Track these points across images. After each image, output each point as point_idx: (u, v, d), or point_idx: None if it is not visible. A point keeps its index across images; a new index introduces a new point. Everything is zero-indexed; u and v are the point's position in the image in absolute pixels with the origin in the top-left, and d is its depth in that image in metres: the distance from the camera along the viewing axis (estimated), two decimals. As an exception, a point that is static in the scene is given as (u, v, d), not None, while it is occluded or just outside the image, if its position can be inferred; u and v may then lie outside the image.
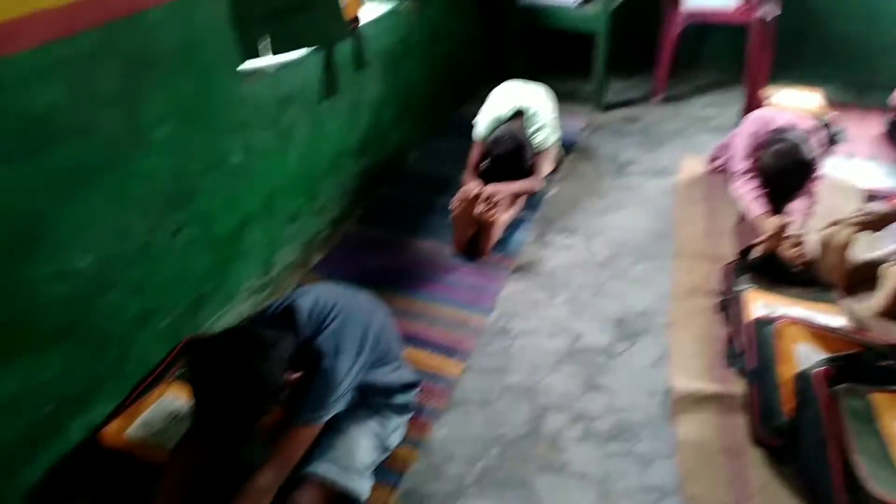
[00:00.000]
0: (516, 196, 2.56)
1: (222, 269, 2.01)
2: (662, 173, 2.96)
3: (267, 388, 1.23)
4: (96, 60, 1.48)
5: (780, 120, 2.54)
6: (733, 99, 3.66)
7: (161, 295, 1.79)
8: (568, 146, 3.17)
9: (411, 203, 2.77)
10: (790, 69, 3.71)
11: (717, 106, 3.59)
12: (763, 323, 1.83)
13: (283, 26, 2.09)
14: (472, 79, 3.75)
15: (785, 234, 2.20)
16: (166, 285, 1.80)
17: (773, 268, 2.21)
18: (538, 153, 2.64)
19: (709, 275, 2.29)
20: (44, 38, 1.35)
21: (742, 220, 2.50)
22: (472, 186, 2.36)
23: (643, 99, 3.69)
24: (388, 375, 1.60)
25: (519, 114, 2.69)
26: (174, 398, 1.62)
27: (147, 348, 1.76)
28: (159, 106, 1.67)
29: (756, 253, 2.27)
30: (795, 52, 3.75)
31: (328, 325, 1.41)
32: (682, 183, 2.88)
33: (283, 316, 1.41)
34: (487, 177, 2.57)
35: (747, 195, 2.42)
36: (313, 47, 2.23)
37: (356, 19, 2.46)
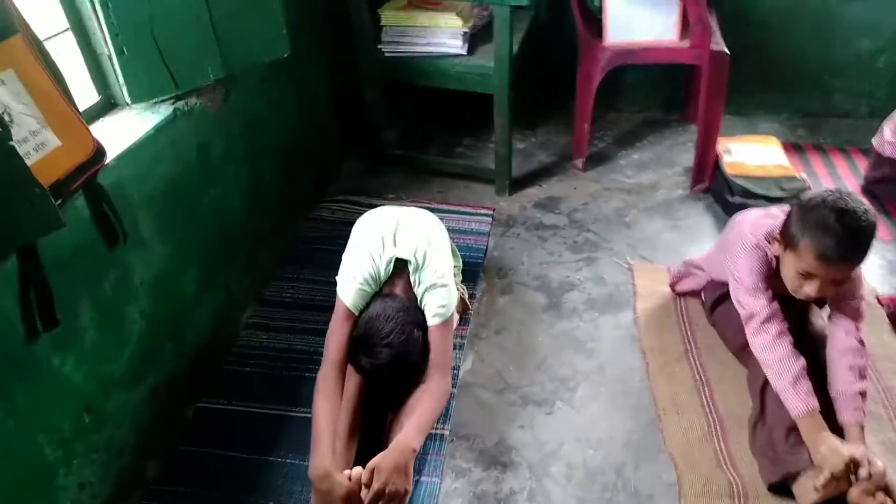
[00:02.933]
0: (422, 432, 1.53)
1: None
2: (615, 303, 2.06)
3: None
4: None
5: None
6: (672, 151, 2.83)
7: None
8: (474, 266, 2.19)
9: (244, 431, 1.69)
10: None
11: (653, 165, 2.74)
12: None
13: None
14: (324, 171, 2.67)
15: (858, 473, 1.37)
16: None
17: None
18: (440, 324, 1.63)
19: (738, 535, 1.42)
20: None
21: (766, 406, 1.62)
22: (344, 485, 1.32)
23: (558, 164, 2.77)
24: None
25: (400, 265, 1.67)
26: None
27: None
28: None
29: (811, 497, 1.42)
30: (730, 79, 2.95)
31: None
32: (646, 318, 1.99)
33: None
34: (365, 376, 1.57)
35: (781, 369, 1.52)
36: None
37: (91, 163, 1.33)
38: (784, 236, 1.52)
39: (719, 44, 2.32)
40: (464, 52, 2.32)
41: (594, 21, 2.49)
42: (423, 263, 1.63)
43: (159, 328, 1.64)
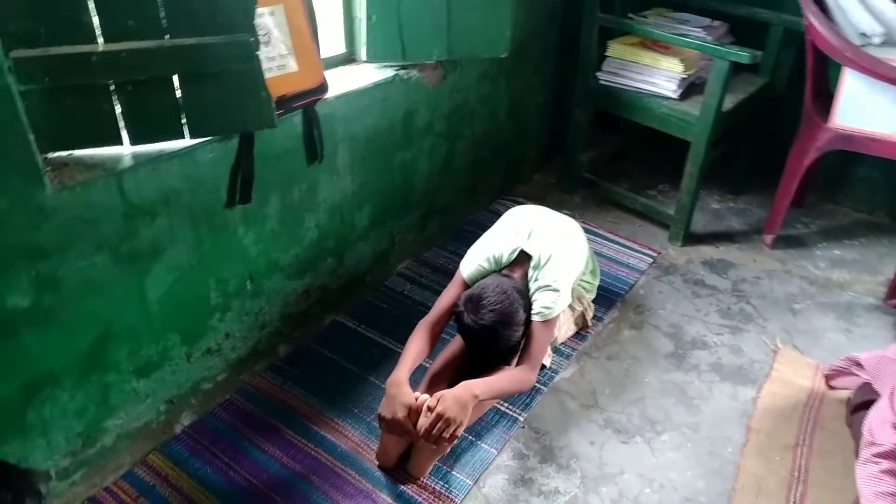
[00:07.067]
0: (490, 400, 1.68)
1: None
2: (743, 374, 1.98)
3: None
4: None
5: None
6: (883, 260, 2.57)
7: None
8: (614, 295, 2.24)
9: (360, 350, 1.97)
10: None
11: (853, 266, 2.52)
12: None
13: (146, 102, 1.36)
14: (517, 174, 2.88)
15: None
16: None
17: None
18: (541, 322, 1.73)
19: None
20: None
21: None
22: (410, 397, 1.52)
23: (746, 234, 2.68)
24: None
25: (524, 258, 1.81)
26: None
27: None
28: None
29: None
30: None
31: None
32: (768, 402, 1.88)
33: None
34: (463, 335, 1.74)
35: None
36: (207, 137, 1.49)
37: (315, 92, 1.69)
38: None
39: (965, 154, 2.09)
40: (675, 96, 2.38)
41: (827, 99, 2.38)
42: (545, 264, 1.76)
43: (327, 243, 1.98)
